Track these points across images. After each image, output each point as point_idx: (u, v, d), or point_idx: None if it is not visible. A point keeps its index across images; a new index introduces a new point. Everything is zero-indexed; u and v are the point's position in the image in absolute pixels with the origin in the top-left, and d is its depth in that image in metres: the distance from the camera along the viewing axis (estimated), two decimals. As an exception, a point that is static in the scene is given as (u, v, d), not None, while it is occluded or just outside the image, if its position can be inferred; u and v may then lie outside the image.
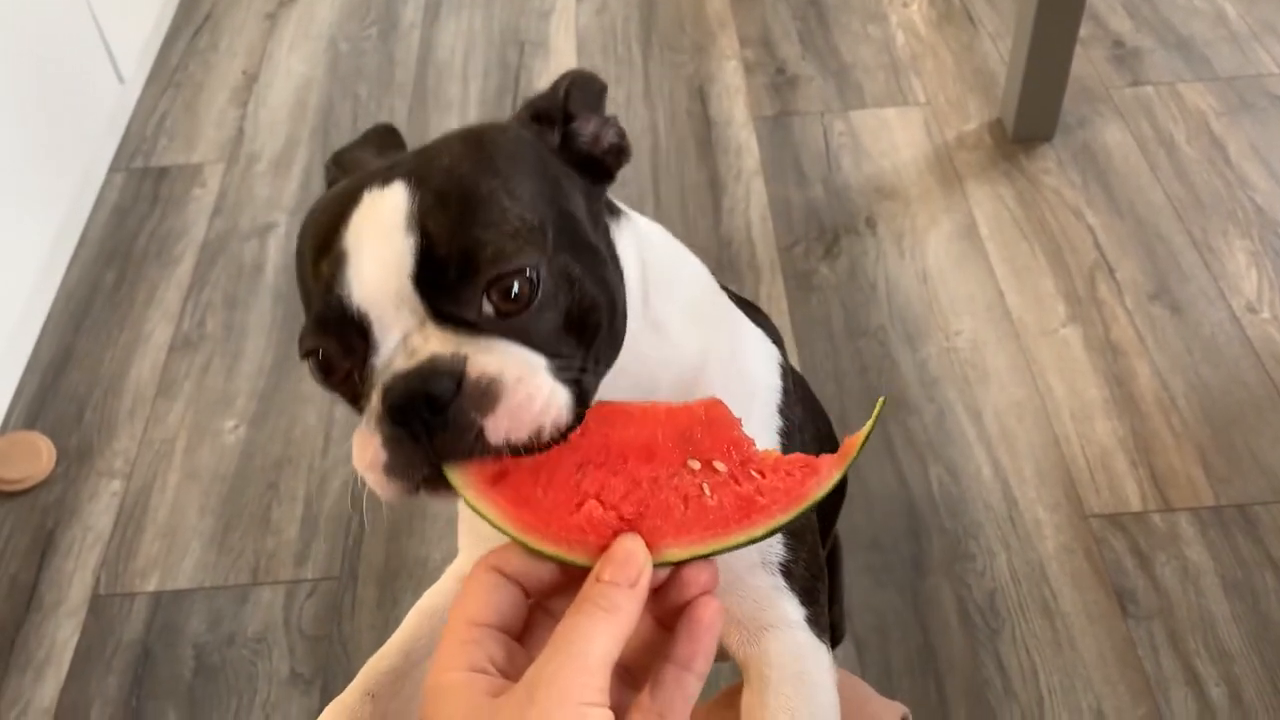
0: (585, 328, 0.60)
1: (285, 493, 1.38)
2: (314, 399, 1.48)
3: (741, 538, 0.50)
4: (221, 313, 1.61)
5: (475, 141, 0.63)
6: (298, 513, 1.36)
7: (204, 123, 1.94)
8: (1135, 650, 1.17)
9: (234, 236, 1.72)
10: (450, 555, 1.34)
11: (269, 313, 1.60)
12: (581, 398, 0.59)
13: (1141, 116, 1.77)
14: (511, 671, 0.47)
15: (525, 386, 0.55)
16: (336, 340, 0.58)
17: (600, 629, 0.46)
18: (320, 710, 1.14)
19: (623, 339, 0.64)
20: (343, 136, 1.88)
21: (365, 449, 0.56)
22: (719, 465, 0.53)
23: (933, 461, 1.35)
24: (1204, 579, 1.22)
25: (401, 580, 1.28)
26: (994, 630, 1.20)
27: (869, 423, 0.52)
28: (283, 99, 1.97)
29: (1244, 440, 1.34)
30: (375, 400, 0.56)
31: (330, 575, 1.29)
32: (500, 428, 0.54)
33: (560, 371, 0.57)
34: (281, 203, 1.77)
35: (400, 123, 1.88)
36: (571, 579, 0.50)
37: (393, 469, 0.55)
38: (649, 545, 0.49)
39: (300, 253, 0.63)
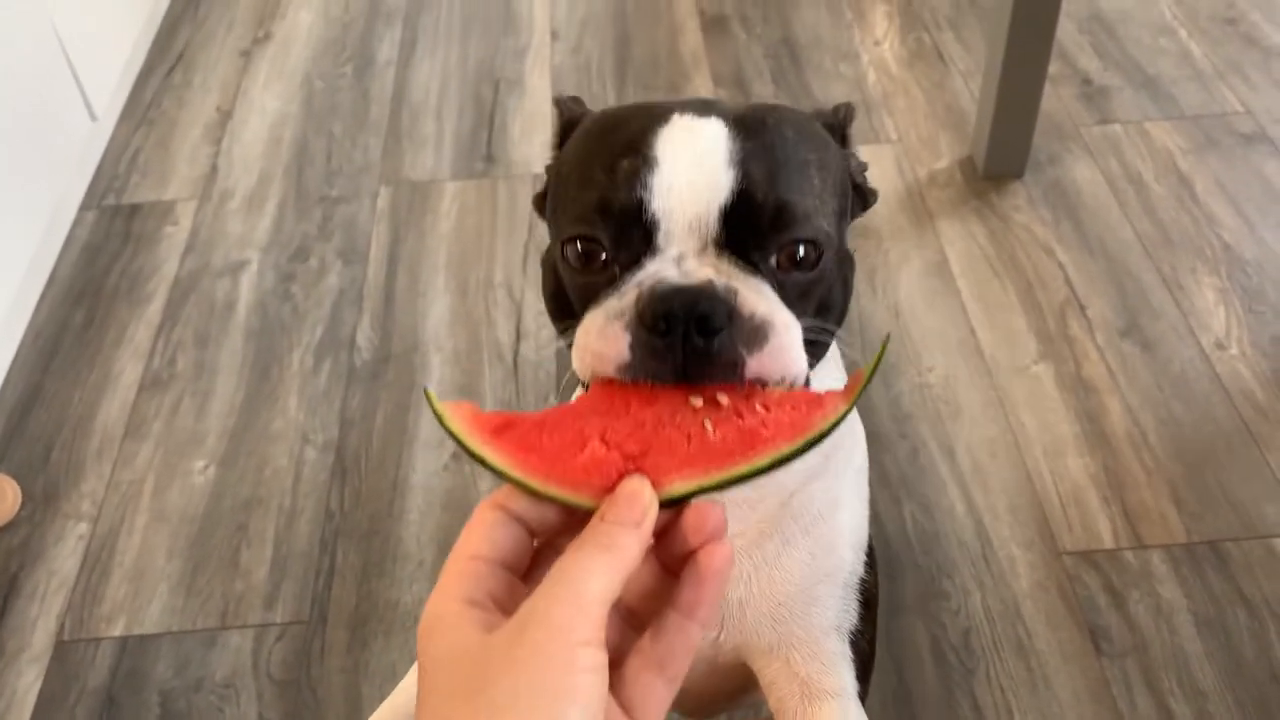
0: (823, 323, 0.63)
1: (254, 534, 1.37)
2: (284, 438, 1.47)
3: (745, 468, 0.50)
4: (192, 351, 1.60)
5: (797, 115, 0.66)
6: (267, 554, 1.34)
7: (177, 160, 1.94)
8: (1110, 689, 1.17)
9: (206, 274, 1.71)
10: (420, 599, 1.33)
11: (240, 351, 1.59)
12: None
13: (1110, 154, 1.80)
14: (511, 607, 0.46)
15: (790, 333, 0.57)
16: (616, 231, 0.59)
17: (599, 566, 0.45)
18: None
19: (832, 339, 0.66)
20: (317, 174, 1.88)
21: (609, 341, 0.56)
22: (722, 398, 0.53)
23: (906, 498, 1.35)
24: (1177, 616, 1.22)
25: (372, 624, 1.27)
26: (969, 670, 1.20)
27: (875, 357, 0.52)
28: (257, 136, 1.97)
29: (1214, 476, 1.35)
30: (632, 301, 0.56)
31: (299, 619, 1.28)
32: (759, 365, 0.55)
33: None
34: (254, 240, 1.77)
35: (374, 160, 1.89)
36: (579, 519, 0.49)
37: (629, 369, 0.55)
38: (653, 483, 0.49)
39: (584, 152, 0.63)
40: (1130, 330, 1.52)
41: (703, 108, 0.62)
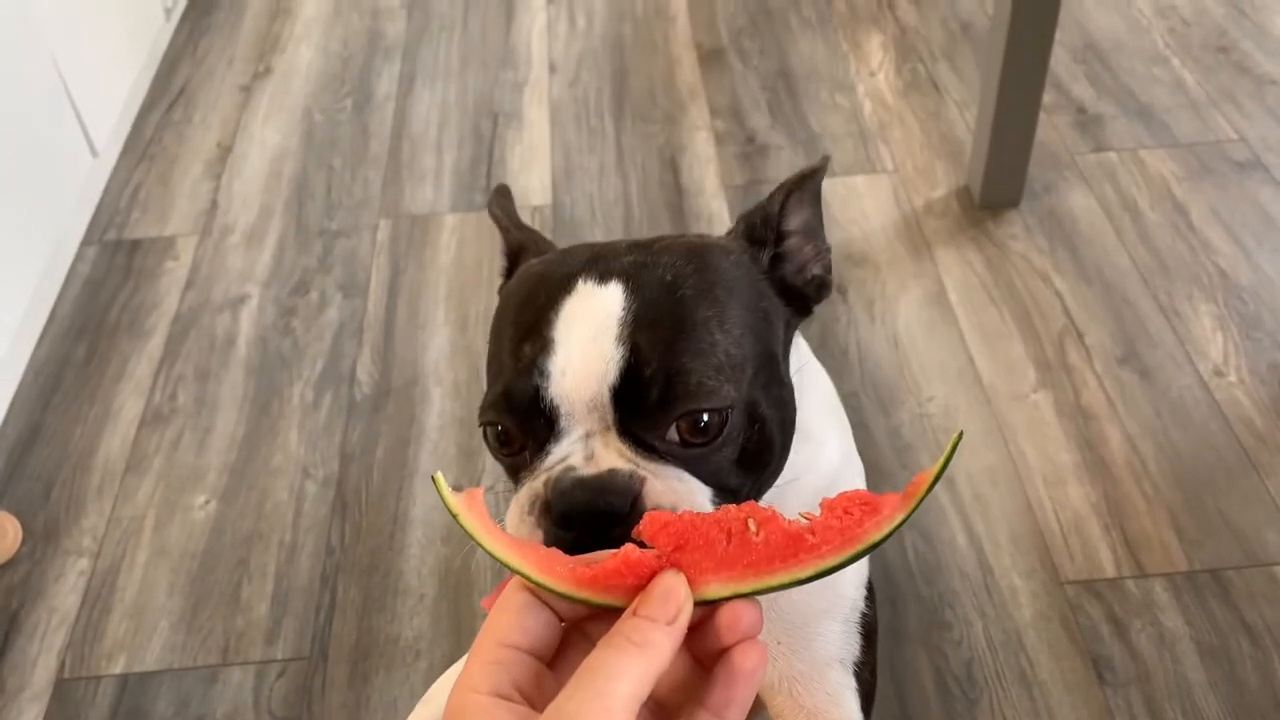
0: (757, 463, 0.62)
1: (255, 569, 1.36)
2: (285, 472, 1.47)
3: (785, 578, 0.47)
4: (193, 386, 1.60)
5: (699, 260, 0.64)
6: (268, 590, 1.34)
7: (177, 195, 1.95)
8: None
9: (206, 309, 1.72)
10: (421, 633, 1.32)
11: (240, 385, 1.59)
12: None
13: (1105, 182, 1.81)
14: (538, 697, 0.45)
15: None
16: (520, 421, 0.60)
17: (630, 666, 0.44)
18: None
19: (783, 466, 0.65)
20: (317, 208, 1.89)
21: (524, 536, 0.57)
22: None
23: (907, 528, 1.35)
24: (1180, 645, 1.22)
25: (373, 659, 1.27)
26: (972, 700, 1.20)
27: (941, 459, 0.49)
28: (257, 171, 1.98)
29: (1215, 504, 1.35)
30: (544, 490, 0.57)
31: (300, 655, 1.27)
32: None
33: (723, 501, 0.59)
34: (254, 275, 1.77)
35: (374, 194, 1.90)
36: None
37: None
38: (688, 580, 0.47)
39: (501, 325, 0.65)
40: (1128, 358, 1.53)
41: (607, 266, 0.61)
